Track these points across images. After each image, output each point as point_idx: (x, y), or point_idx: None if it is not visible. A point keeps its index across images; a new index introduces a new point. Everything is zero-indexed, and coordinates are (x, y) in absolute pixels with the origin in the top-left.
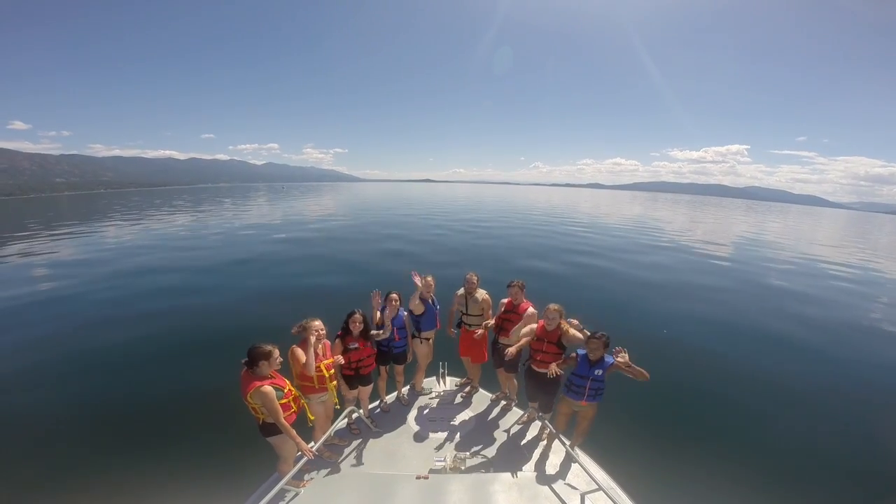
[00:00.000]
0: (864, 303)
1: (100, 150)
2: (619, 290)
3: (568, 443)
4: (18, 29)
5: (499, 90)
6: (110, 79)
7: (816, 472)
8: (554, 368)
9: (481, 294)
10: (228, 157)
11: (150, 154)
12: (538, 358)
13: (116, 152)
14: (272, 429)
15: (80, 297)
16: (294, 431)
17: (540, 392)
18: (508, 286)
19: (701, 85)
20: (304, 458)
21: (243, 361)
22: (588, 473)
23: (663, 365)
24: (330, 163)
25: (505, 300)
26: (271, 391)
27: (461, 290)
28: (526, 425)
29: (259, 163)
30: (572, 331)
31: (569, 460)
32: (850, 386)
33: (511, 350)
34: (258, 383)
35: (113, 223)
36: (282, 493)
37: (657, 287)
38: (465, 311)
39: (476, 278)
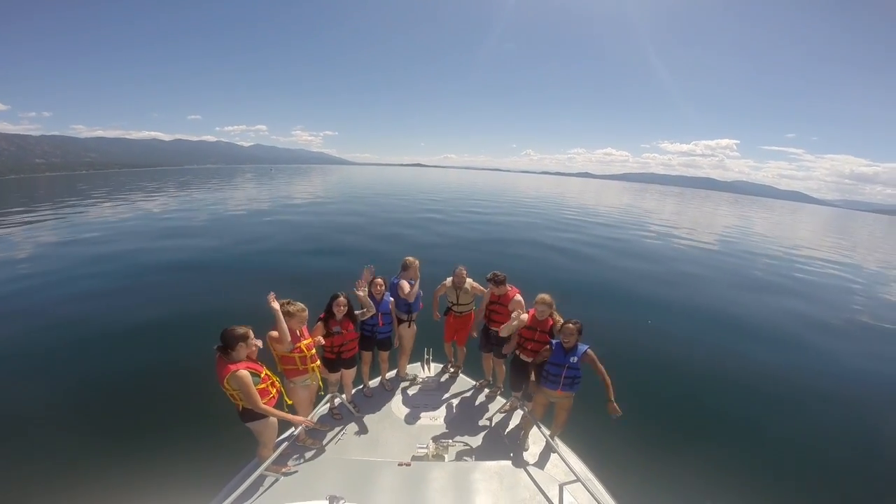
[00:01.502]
0: (845, 296)
1: (82, 130)
2: (604, 279)
3: (548, 433)
4: None
5: (493, 77)
6: (93, 60)
7: (800, 463)
8: (504, 328)
9: (469, 283)
10: (216, 139)
11: (135, 135)
12: (529, 347)
13: (99, 133)
14: (252, 414)
15: (56, 283)
16: (278, 410)
17: (525, 381)
18: (488, 280)
19: (695, 79)
20: (285, 444)
21: (217, 347)
22: (567, 464)
23: (646, 355)
24: (320, 145)
25: (487, 292)
26: (247, 375)
27: (449, 281)
28: (509, 414)
29: (246, 144)
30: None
31: (548, 450)
32: (833, 375)
33: (502, 329)
34: (233, 367)
35: (93, 204)
36: (261, 479)
37: (643, 277)
38: (455, 302)
39: (465, 271)
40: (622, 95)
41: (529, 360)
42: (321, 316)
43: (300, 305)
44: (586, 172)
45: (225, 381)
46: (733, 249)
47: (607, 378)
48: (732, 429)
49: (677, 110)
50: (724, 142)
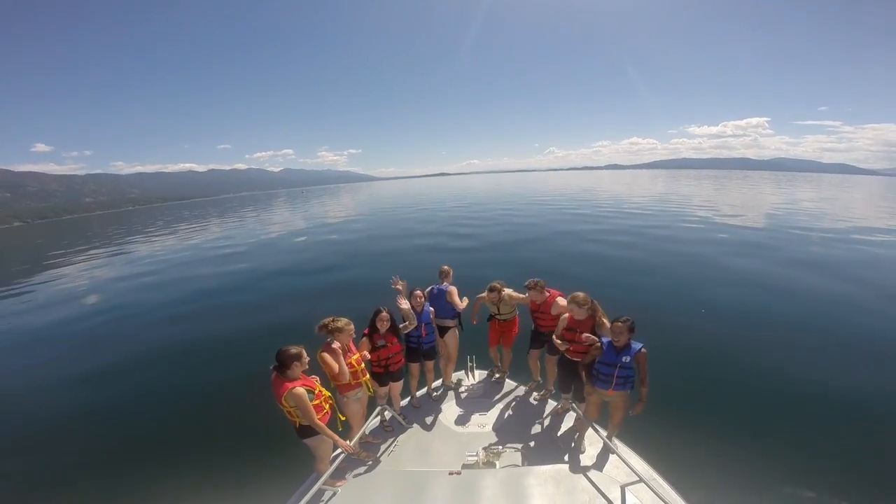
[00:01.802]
0: None
1: (122, 167)
2: (650, 270)
3: (604, 433)
4: (27, 51)
5: (508, 78)
6: (125, 96)
7: (873, 464)
8: (556, 341)
9: (507, 294)
10: (246, 166)
11: (171, 168)
12: (572, 348)
13: (138, 168)
14: (308, 430)
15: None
16: (329, 430)
17: (574, 381)
18: (526, 288)
19: (713, 59)
20: (341, 457)
21: (273, 367)
22: (627, 464)
23: (703, 346)
24: (345, 164)
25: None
26: (304, 393)
27: (485, 294)
28: (560, 416)
29: (276, 169)
30: (607, 323)
31: (606, 451)
32: None
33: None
34: (290, 385)
35: (148, 238)
36: (320, 493)
37: (690, 264)
38: (497, 312)
39: (499, 287)
40: (641, 84)
41: (578, 360)
42: (365, 331)
43: (345, 320)
44: (614, 164)
45: (283, 398)
46: (783, 227)
47: (646, 382)
48: (802, 422)
49: (700, 93)
50: (755, 120)
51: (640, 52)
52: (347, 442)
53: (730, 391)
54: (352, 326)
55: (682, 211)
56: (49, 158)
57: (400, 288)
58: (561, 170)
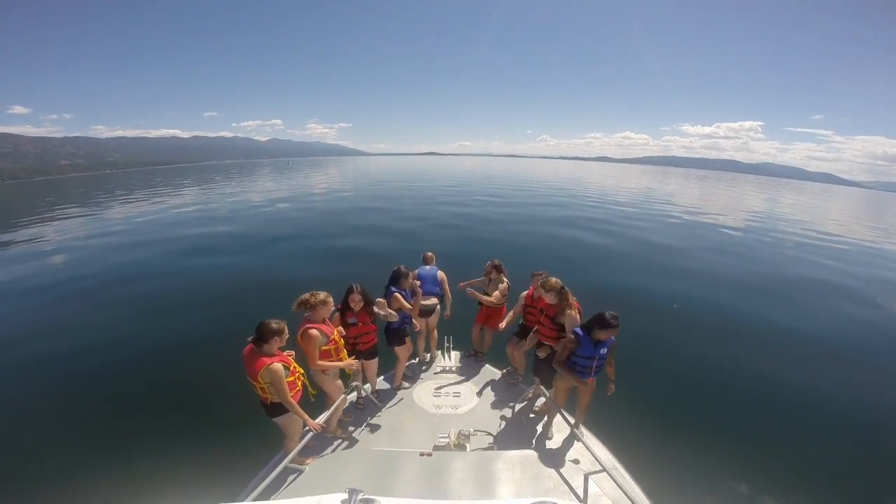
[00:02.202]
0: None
1: (103, 131)
2: (627, 261)
3: (572, 421)
4: (5, 9)
5: (504, 63)
6: (110, 61)
7: (830, 462)
8: (538, 354)
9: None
10: (232, 135)
11: (154, 133)
12: (542, 331)
13: (119, 133)
14: (279, 408)
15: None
16: (300, 409)
17: (544, 366)
18: (533, 275)
19: (715, 60)
20: (309, 436)
21: (250, 339)
22: (592, 453)
23: (673, 340)
24: (335, 137)
25: (525, 293)
26: (281, 369)
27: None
28: (531, 402)
29: (263, 139)
30: (572, 314)
31: (573, 439)
32: (868, 365)
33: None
34: (267, 361)
35: (119, 202)
36: (287, 472)
37: (666, 260)
38: (487, 294)
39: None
40: (639, 78)
41: (544, 355)
42: (338, 307)
43: (325, 294)
44: (605, 156)
45: (259, 374)
46: (760, 230)
47: (612, 363)
48: (766, 419)
49: (698, 93)
50: (748, 124)
51: (640, 46)
52: (318, 421)
53: (696, 386)
54: (331, 300)
55: (665, 208)
56: (26, 121)
57: (383, 314)
58: (552, 158)
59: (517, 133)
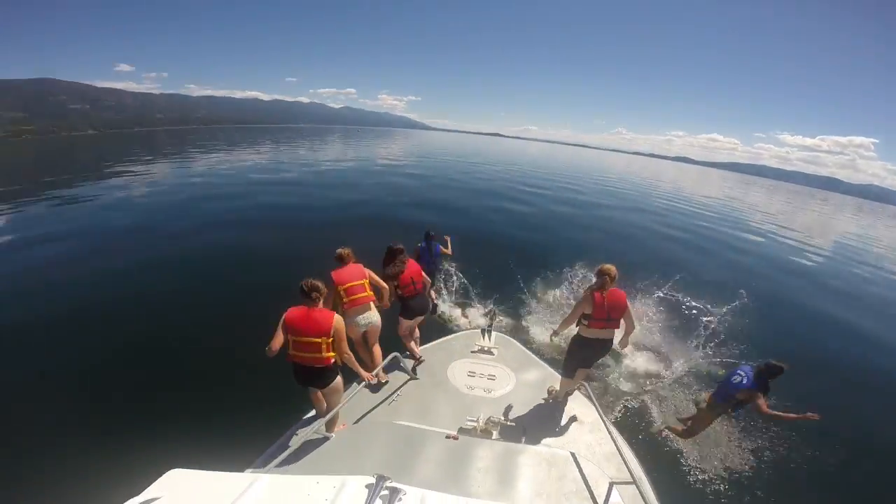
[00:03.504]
0: None
1: (194, 90)
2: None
3: (610, 425)
4: None
5: (583, 44)
6: (206, 22)
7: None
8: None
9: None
10: (309, 100)
11: (239, 94)
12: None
13: (209, 92)
14: (331, 372)
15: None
16: (354, 361)
17: (590, 359)
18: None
19: (833, 65)
20: (342, 404)
21: (307, 293)
22: (624, 460)
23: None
24: (403, 109)
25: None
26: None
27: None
28: (568, 398)
29: (337, 106)
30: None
31: (605, 443)
32: None
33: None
34: (332, 314)
35: (204, 155)
36: (314, 440)
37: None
38: None
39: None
40: (738, 76)
41: (593, 337)
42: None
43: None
44: (685, 157)
45: (333, 328)
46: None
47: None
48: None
49: (805, 100)
50: (859, 140)
51: (742, 41)
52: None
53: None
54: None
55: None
56: (129, 77)
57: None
58: (624, 152)
59: (590, 122)
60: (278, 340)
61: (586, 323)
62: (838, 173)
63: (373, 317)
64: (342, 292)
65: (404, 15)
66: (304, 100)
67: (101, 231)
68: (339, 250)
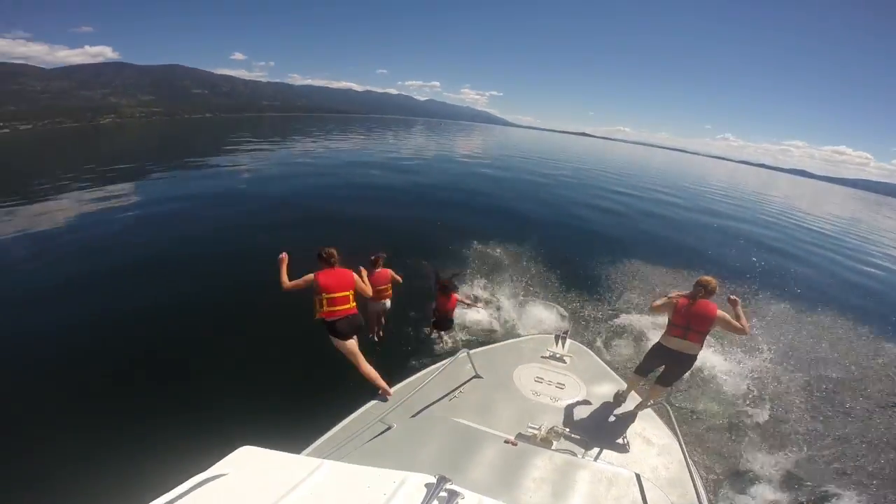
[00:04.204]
0: None
1: (297, 79)
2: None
3: (684, 448)
4: None
5: (688, 39)
6: (311, 15)
7: None
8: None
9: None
10: (397, 92)
11: (334, 85)
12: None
13: (308, 82)
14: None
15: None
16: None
17: (665, 371)
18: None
19: None
20: (408, 396)
21: (331, 259)
22: (696, 488)
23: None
24: (485, 104)
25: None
26: None
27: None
28: (641, 414)
29: (422, 99)
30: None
31: (678, 468)
32: None
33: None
34: (350, 271)
35: (305, 140)
36: (373, 428)
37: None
38: None
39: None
40: (873, 82)
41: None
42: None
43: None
44: (803, 170)
45: (355, 281)
46: None
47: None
48: None
49: None
50: None
51: (878, 38)
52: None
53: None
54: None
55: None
56: (242, 66)
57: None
58: (731, 161)
59: (692, 126)
60: (294, 283)
61: (666, 330)
62: None
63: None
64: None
65: (489, 8)
66: (393, 91)
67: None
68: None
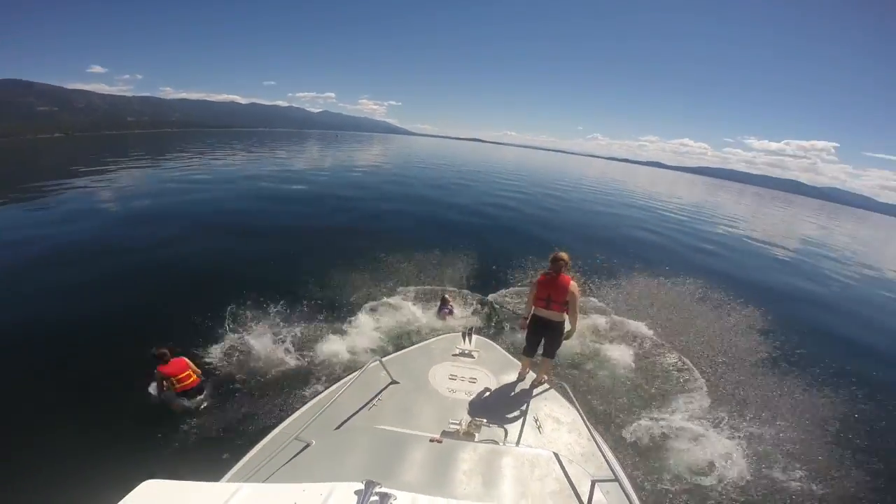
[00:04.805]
0: None
1: (169, 92)
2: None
3: (588, 423)
4: None
5: (562, 51)
6: (182, 23)
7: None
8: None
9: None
10: (287, 104)
11: (215, 98)
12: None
13: (184, 95)
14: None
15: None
16: None
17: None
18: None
19: (797, 71)
20: (320, 412)
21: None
22: (605, 459)
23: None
24: (383, 114)
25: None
26: None
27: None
28: (547, 397)
29: (315, 111)
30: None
31: (584, 441)
32: None
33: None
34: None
35: (170, 159)
36: (293, 446)
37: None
38: None
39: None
40: (709, 83)
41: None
42: None
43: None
44: (658, 162)
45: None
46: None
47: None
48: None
49: (772, 106)
50: (821, 144)
51: (712, 47)
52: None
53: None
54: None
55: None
56: (101, 79)
57: None
58: (600, 157)
59: (566, 128)
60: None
61: (535, 304)
62: (801, 176)
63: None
64: (174, 381)
65: (385, 19)
66: (283, 103)
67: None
68: (159, 350)
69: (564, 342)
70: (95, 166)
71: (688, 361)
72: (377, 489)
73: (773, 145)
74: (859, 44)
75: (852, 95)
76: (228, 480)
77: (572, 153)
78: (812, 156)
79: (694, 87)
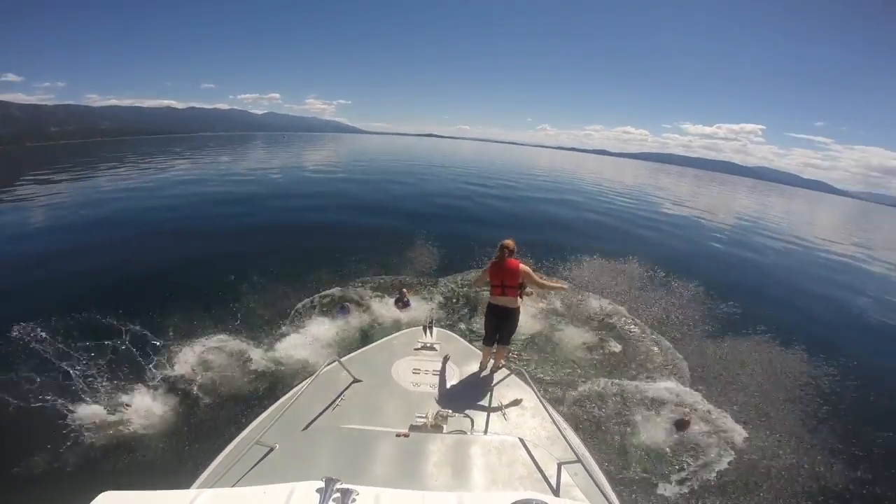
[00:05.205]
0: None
1: (96, 100)
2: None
3: (550, 406)
4: None
5: (512, 46)
6: (107, 28)
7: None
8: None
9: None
10: (229, 107)
11: (149, 103)
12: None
13: (113, 102)
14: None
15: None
16: None
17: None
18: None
19: (725, 58)
20: (282, 413)
21: None
22: (567, 442)
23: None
24: (333, 113)
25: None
26: None
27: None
28: (510, 384)
29: (259, 112)
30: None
31: (548, 425)
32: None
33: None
34: None
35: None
36: (258, 449)
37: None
38: None
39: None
40: (646, 73)
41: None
42: None
43: None
44: (603, 150)
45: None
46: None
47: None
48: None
49: (704, 91)
50: (749, 126)
51: (651, 39)
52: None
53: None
54: None
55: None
56: (18, 88)
57: None
58: (549, 147)
59: (517, 120)
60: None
61: (490, 292)
62: (734, 157)
63: None
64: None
65: (326, 13)
66: (224, 106)
67: None
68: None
69: (520, 325)
70: (14, 181)
71: (642, 335)
72: (338, 486)
73: (707, 129)
74: (779, 28)
75: (775, 78)
76: (193, 488)
77: (522, 144)
78: (742, 138)
79: (633, 76)
